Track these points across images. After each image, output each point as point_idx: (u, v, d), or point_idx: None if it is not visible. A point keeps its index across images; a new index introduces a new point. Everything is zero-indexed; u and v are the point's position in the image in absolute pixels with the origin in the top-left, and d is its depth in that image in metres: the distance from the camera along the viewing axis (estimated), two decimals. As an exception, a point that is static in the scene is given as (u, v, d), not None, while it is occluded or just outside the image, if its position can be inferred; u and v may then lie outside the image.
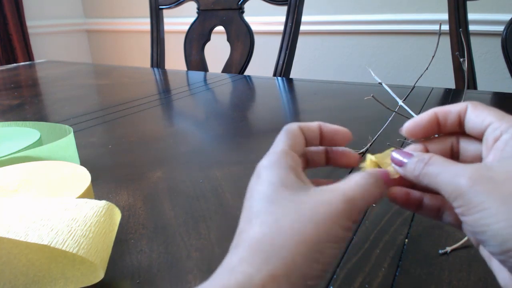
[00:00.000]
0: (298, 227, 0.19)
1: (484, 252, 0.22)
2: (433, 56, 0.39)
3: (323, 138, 0.25)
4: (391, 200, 0.24)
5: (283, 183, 0.21)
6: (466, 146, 0.23)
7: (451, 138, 0.24)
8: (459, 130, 0.23)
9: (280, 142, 0.24)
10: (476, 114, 0.22)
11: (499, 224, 0.17)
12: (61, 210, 0.28)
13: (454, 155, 0.24)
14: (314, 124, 0.25)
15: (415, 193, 0.24)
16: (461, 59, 0.47)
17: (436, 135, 0.24)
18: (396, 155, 0.23)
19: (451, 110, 0.23)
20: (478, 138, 0.22)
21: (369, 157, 0.25)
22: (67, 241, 0.26)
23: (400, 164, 0.23)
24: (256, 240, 0.19)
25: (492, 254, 0.19)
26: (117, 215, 0.31)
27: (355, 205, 0.20)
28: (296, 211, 0.20)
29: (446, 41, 1.02)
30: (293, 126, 0.25)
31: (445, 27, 1.00)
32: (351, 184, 0.21)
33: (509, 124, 0.20)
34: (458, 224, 0.23)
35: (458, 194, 0.19)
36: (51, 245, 0.25)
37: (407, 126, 0.24)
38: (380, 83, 0.47)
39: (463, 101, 0.48)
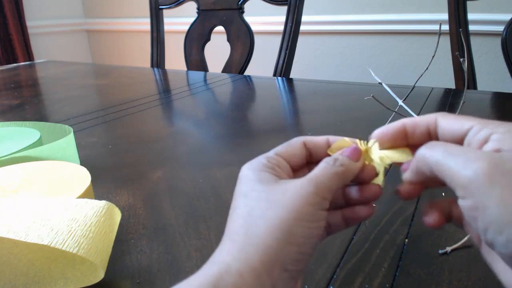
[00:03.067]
0: (269, 213, 0.20)
1: (487, 254, 0.22)
2: (433, 56, 0.39)
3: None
4: (404, 198, 0.24)
5: (258, 180, 0.22)
6: None
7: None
8: (428, 140, 0.23)
9: (272, 150, 0.25)
10: (451, 122, 0.22)
11: (497, 209, 0.17)
12: (61, 210, 0.28)
13: None
14: (321, 138, 0.26)
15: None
16: (461, 59, 0.47)
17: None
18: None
19: (419, 122, 0.23)
20: (458, 143, 0.21)
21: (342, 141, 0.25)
22: (67, 241, 0.26)
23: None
24: (233, 232, 0.21)
25: (494, 247, 0.18)
26: (117, 215, 0.31)
27: (321, 182, 0.21)
28: (267, 200, 0.21)
29: (446, 41, 1.02)
30: (295, 139, 0.26)
31: (445, 27, 1.00)
32: (316, 170, 0.23)
33: (495, 125, 0.20)
34: (462, 223, 0.23)
35: (464, 185, 0.18)
36: (51, 245, 0.25)
37: (376, 133, 0.24)
38: (380, 83, 0.47)
39: (463, 101, 0.48)
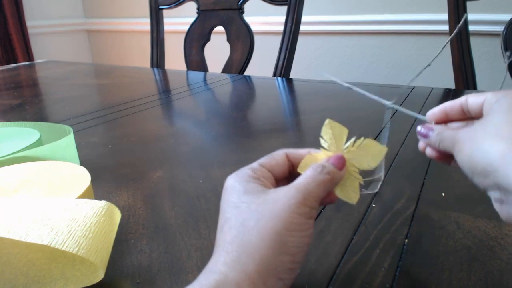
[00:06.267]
0: (261, 223, 0.21)
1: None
2: (436, 55, 0.38)
3: None
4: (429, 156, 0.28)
5: (246, 190, 0.23)
6: None
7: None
8: (464, 118, 0.27)
9: (256, 161, 0.26)
10: (476, 96, 0.26)
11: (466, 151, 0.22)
12: (61, 210, 0.28)
13: None
14: (303, 151, 0.28)
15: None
16: (507, 53, 0.47)
17: None
18: (421, 128, 0.27)
19: (455, 102, 0.27)
20: (479, 109, 0.25)
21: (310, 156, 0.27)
22: (67, 241, 0.26)
23: (425, 136, 0.27)
24: (227, 243, 0.21)
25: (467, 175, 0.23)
26: (117, 215, 0.31)
27: (309, 191, 0.22)
28: (258, 210, 0.22)
29: (445, 41, 1.02)
30: (278, 151, 0.27)
31: (445, 27, 1.00)
32: (302, 177, 0.24)
33: (501, 95, 0.23)
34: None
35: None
36: (51, 245, 0.25)
37: (430, 112, 0.28)
38: (349, 88, 0.47)
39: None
